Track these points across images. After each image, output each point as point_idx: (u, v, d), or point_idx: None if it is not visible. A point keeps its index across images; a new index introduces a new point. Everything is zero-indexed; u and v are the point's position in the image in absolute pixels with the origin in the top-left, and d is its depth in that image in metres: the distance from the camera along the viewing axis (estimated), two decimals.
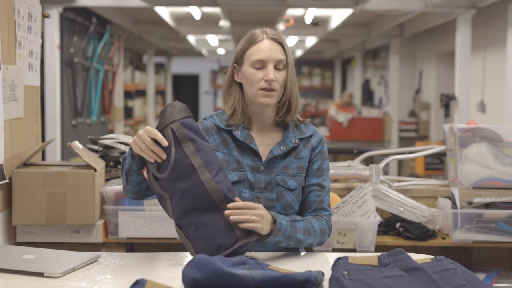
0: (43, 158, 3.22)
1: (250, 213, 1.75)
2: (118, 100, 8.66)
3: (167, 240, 2.55)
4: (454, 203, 2.63)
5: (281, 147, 1.96)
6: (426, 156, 7.22)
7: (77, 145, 2.56)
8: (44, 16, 2.81)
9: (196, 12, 7.81)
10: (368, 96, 11.45)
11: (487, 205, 2.63)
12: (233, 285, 1.46)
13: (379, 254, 1.66)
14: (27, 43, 2.50)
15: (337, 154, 7.34)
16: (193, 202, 1.76)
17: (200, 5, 6.76)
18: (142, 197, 1.97)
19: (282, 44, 1.95)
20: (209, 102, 16.81)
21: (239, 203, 1.76)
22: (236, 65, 1.99)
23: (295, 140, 1.98)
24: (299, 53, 13.56)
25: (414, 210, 2.73)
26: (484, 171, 2.77)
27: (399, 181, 3.03)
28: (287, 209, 1.95)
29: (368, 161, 4.83)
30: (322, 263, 1.87)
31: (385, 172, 5.49)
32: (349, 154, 4.43)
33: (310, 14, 7.86)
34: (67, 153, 6.18)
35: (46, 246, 2.38)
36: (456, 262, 1.64)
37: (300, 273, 1.52)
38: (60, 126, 6.16)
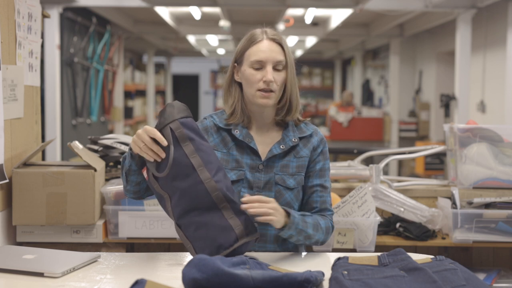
0: (43, 158, 3.22)
1: (265, 207, 1.76)
2: (118, 100, 8.66)
3: (167, 240, 2.55)
4: (454, 203, 2.63)
5: (281, 146, 1.96)
6: (426, 156, 7.22)
7: (77, 145, 2.56)
8: (44, 16, 2.81)
9: (196, 12, 7.81)
10: (368, 96, 11.45)
11: (487, 205, 2.63)
12: (233, 285, 1.46)
13: (379, 254, 1.66)
14: (27, 43, 2.50)
15: (337, 154, 7.34)
16: (192, 201, 1.76)
17: (200, 5, 6.76)
18: (142, 197, 1.97)
19: (281, 45, 1.95)
20: (209, 102, 16.81)
21: (253, 196, 1.78)
22: (236, 64, 1.99)
23: (294, 139, 1.98)
24: (299, 53, 13.56)
25: (414, 210, 2.73)
26: (484, 171, 2.77)
27: (399, 181, 3.03)
28: None
29: (368, 161, 4.83)
30: (322, 263, 1.87)
31: (385, 172, 5.49)
32: (349, 154, 4.43)
33: (310, 14, 7.86)
34: (67, 153, 6.18)
35: (46, 246, 2.38)
36: (456, 262, 1.64)
37: (300, 273, 1.52)
38: (60, 126, 6.16)
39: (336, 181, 3.17)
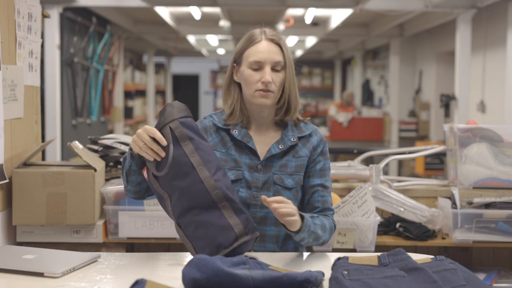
0: (43, 158, 3.22)
1: (290, 207, 1.76)
2: (118, 100, 8.66)
3: (167, 240, 2.55)
4: (454, 203, 2.63)
5: (279, 146, 1.96)
6: (426, 156, 7.22)
7: (77, 145, 2.56)
8: (44, 16, 2.81)
9: (196, 12, 7.81)
10: (368, 96, 11.45)
11: (487, 205, 2.63)
12: (233, 285, 1.46)
13: (379, 254, 1.66)
14: (27, 43, 2.50)
15: (337, 154, 7.34)
16: (192, 200, 1.76)
17: (200, 5, 6.76)
18: (143, 197, 1.97)
19: (280, 45, 1.94)
20: (209, 102, 16.81)
21: (278, 197, 1.76)
22: (235, 65, 1.99)
23: (293, 139, 1.98)
24: (299, 53, 13.56)
25: (414, 210, 2.73)
26: (484, 171, 2.77)
27: (399, 181, 3.03)
28: None
29: (368, 161, 4.83)
30: (322, 263, 1.87)
31: (385, 172, 5.49)
32: (349, 154, 4.42)
33: (310, 14, 7.86)
34: (67, 153, 6.18)
35: (46, 246, 2.38)
36: (456, 262, 1.64)
37: (300, 273, 1.52)
38: (60, 126, 6.16)
39: (336, 181, 3.17)
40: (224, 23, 7.97)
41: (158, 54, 12.78)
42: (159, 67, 13.59)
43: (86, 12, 6.91)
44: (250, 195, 1.93)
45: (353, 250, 2.53)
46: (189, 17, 8.61)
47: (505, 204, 2.61)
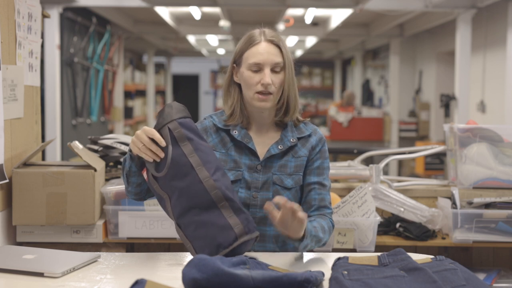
0: (43, 158, 3.22)
1: (302, 213, 1.72)
2: (118, 100, 8.66)
3: (167, 240, 2.55)
4: (454, 203, 2.63)
5: (279, 146, 1.96)
6: (426, 156, 7.22)
7: (77, 145, 2.56)
8: (44, 16, 2.81)
9: (196, 12, 7.81)
10: (368, 96, 11.44)
11: (487, 205, 2.63)
12: (233, 285, 1.46)
13: (379, 254, 1.66)
14: (27, 43, 2.50)
15: (337, 154, 7.34)
16: (191, 200, 1.76)
17: (200, 5, 6.76)
18: (144, 198, 1.98)
19: (279, 46, 1.94)
20: (209, 102, 16.80)
21: (294, 204, 1.70)
22: (235, 65, 1.99)
23: (293, 139, 1.98)
24: (299, 53, 13.56)
25: (414, 210, 2.73)
26: (484, 171, 2.77)
27: (399, 181, 3.03)
28: None
29: (368, 161, 4.83)
30: (322, 263, 1.87)
31: (385, 172, 5.49)
32: (349, 154, 4.43)
33: (310, 14, 7.86)
34: (67, 153, 6.18)
35: (46, 246, 2.38)
36: (456, 262, 1.64)
37: (300, 273, 1.52)
38: (60, 126, 6.16)
39: (336, 181, 3.17)
40: (224, 23, 7.97)
41: (158, 54, 12.78)
42: (159, 67, 13.59)
43: (86, 12, 6.91)
44: (250, 195, 1.94)
45: (353, 250, 2.53)
46: (189, 17, 8.61)
47: (505, 204, 2.61)
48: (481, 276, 2.75)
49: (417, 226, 2.68)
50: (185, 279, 1.47)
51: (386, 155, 3.18)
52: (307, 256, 1.95)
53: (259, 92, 1.91)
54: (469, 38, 6.33)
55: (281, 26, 8.60)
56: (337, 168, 3.10)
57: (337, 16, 7.96)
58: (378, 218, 2.53)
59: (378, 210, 2.77)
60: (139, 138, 1.78)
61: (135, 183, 1.90)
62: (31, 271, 1.71)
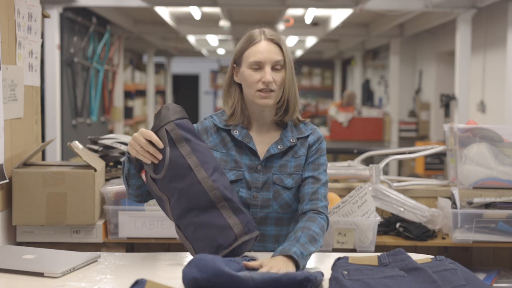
0: (43, 158, 3.22)
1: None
2: (118, 100, 8.66)
3: (167, 240, 2.55)
4: (454, 203, 2.63)
5: (279, 146, 1.96)
6: (426, 156, 7.22)
7: (77, 145, 2.56)
8: (44, 16, 2.81)
9: (196, 12, 7.81)
10: (368, 96, 11.44)
11: (487, 205, 2.63)
12: (233, 285, 1.46)
13: (379, 254, 1.66)
14: (27, 43, 2.50)
15: (337, 154, 7.34)
16: (191, 201, 1.76)
17: (200, 5, 6.76)
18: (145, 200, 1.98)
19: (279, 45, 1.94)
20: (209, 102, 16.80)
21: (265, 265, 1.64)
22: (235, 65, 1.99)
23: (292, 140, 1.98)
24: (299, 53, 13.56)
25: (414, 210, 2.73)
26: (484, 171, 2.77)
27: (399, 181, 3.03)
28: (284, 208, 1.95)
29: (368, 161, 4.83)
30: (322, 263, 1.87)
31: (385, 172, 5.49)
32: (349, 154, 4.42)
33: (310, 14, 7.86)
34: (67, 153, 6.18)
35: (46, 246, 2.38)
36: (456, 262, 1.64)
37: (299, 273, 1.52)
38: (60, 126, 6.16)
39: (336, 181, 3.17)
40: (224, 23, 7.97)
41: (158, 54, 12.78)
42: (159, 67, 13.58)
43: (86, 12, 6.91)
44: (250, 195, 1.94)
45: (353, 250, 2.53)
46: (189, 17, 8.61)
47: (505, 204, 2.61)
48: (481, 276, 2.75)
49: (417, 226, 2.68)
50: (185, 279, 1.47)
51: (386, 155, 3.18)
52: None
53: (260, 90, 1.91)
54: (469, 38, 6.33)
55: (281, 26, 8.60)
56: (337, 168, 3.10)
57: (337, 16, 7.96)
58: (378, 218, 2.53)
59: (378, 210, 2.77)
60: (136, 141, 1.78)
61: (135, 185, 1.90)
62: (31, 271, 1.72)
